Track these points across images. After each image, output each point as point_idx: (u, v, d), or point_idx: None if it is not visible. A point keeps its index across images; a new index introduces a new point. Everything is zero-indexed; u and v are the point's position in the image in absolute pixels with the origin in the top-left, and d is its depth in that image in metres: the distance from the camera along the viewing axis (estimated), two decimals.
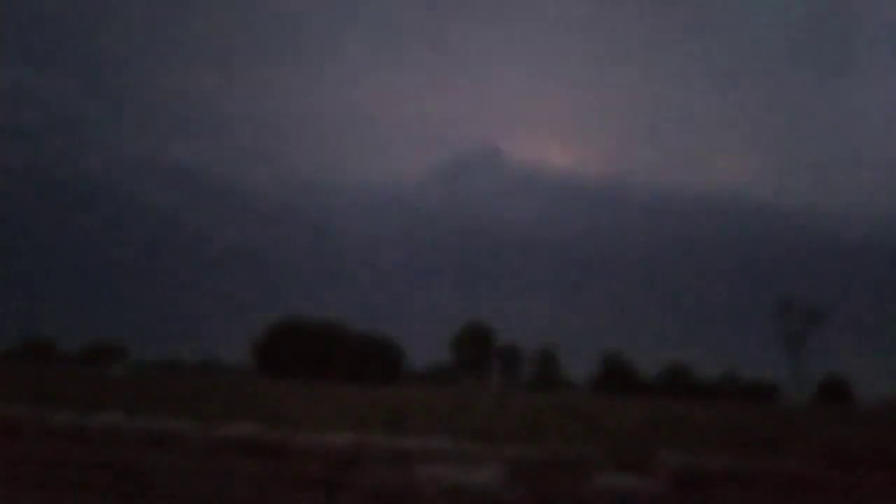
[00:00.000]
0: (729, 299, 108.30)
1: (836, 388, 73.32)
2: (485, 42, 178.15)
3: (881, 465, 8.15)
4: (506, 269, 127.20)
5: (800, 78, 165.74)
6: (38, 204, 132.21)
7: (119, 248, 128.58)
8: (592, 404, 31.09)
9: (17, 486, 7.74)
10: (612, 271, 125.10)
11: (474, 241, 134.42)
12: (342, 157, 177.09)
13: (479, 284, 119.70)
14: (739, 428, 16.31)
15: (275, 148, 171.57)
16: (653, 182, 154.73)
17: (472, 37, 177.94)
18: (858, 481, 7.92)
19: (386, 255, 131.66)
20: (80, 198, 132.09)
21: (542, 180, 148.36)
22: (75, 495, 7.65)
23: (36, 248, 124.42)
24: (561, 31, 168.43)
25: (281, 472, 7.88)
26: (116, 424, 8.21)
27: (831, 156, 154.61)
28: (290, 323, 72.07)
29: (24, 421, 8.27)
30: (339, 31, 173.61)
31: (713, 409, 32.88)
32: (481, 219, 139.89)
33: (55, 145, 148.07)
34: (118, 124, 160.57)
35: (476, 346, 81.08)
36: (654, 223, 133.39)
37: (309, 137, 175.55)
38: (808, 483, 7.70)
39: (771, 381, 78.50)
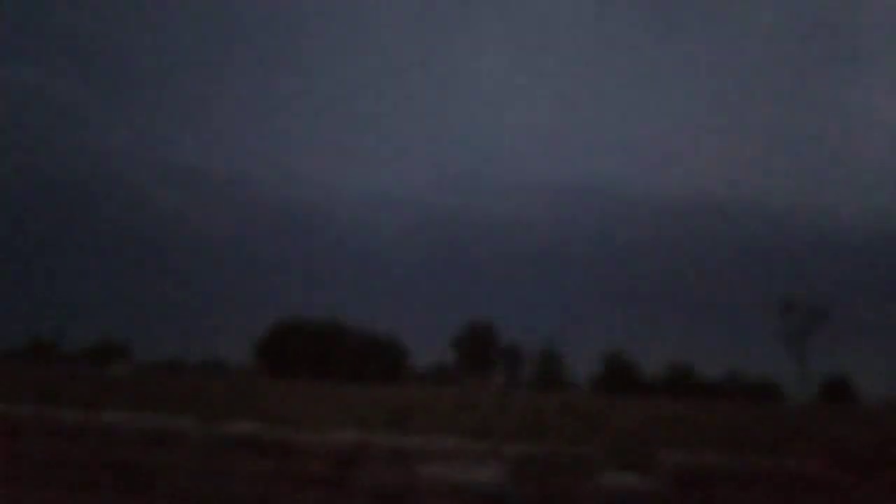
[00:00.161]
0: (731, 299, 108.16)
1: (839, 388, 73.23)
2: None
3: (883, 465, 8.16)
4: (509, 269, 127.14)
5: (793, 76, 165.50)
6: (41, 204, 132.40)
7: (121, 248, 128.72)
8: (594, 404, 31.08)
9: (18, 485, 7.77)
10: (614, 271, 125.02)
11: (478, 241, 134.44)
12: (346, 157, 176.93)
13: (482, 284, 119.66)
14: (741, 427, 16.30)
15: (278, 148, 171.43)
16: (653, 183, 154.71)
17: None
18: (860, 481, 7.92)
19: (390, 254, 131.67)
20: (82, 198, 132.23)
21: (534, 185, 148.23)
22: (77, 494, 7.67)
23: (38, 249, 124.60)
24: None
25: (283, 470, 7.90)
26: (119, 423, 8.23)
27: (833, 154, 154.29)
28: (292, 323, 72.15)
29: (26, 420, 8.29)
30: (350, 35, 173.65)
31: (715, 408, 32.85)
32: (484, 220, 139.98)
33: (56, 144, 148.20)
34: (120, 123, 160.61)
35: (478, 345, 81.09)
36: (655, 223, 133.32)
37: (312, 137, 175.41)
38: (810, 482, 7.70)
39: (773, 381, 78.44)
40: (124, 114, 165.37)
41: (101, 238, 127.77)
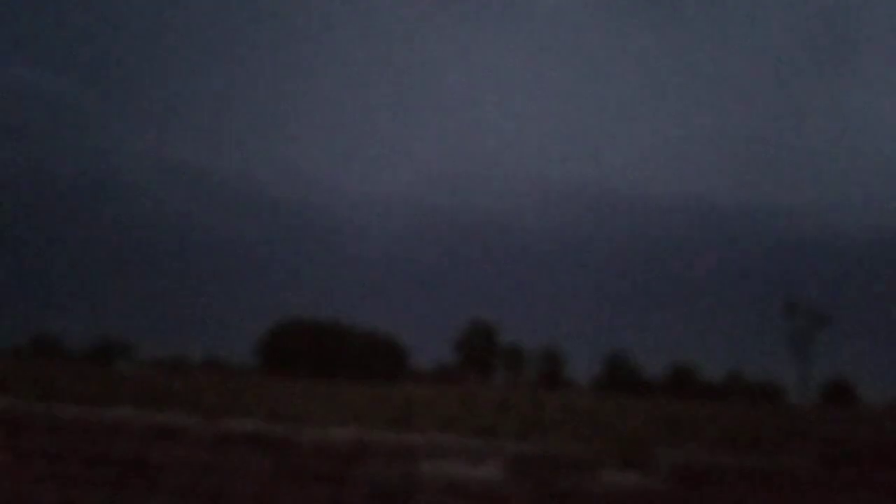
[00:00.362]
0: (734, 300, 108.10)
1: (842, 390, 73.18)
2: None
3: (883, 464, 8.18)
4: (511, 269, 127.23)
5: (792, 77, 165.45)
6: (44, 202, 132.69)
7: (123, 247, 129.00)
8: (595, 403, 31.13)
9: (23, 480, 7.82)
10: (616, 272, 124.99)
11: (479, 241, 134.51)
12: (348, 157, 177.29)
13: (484, 284, 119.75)
14: (741, 427, 16.33)
15: (280, 148, 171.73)
16: (656, 183, 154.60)
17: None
18: (860, 480, 7.95)
19: (391, 253, 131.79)
20: (84, 196, 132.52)
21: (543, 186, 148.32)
22: (82, 488, 7.72)
23: (41, 247, 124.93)
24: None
25: (286, 466, 7.94)
26: (123, 418, 8.27)
27: (835, 155, 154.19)
28: (293, 322, 72.25)
29: (30, 415, 8.34)
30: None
31: (716, 409, 32.86)
32: (487, 220, 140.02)
33: (58, 143, 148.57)
34: (122, 122, 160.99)
35: (479, 346, 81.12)
36: (657, 224, 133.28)
37: (314, 137, 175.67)
38: (808, 481, 7.72)
39: (776, 383, 78.37)
40: (126, 113, 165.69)
41: (102, 237, 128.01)
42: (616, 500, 7.28)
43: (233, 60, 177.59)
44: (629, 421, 18.18)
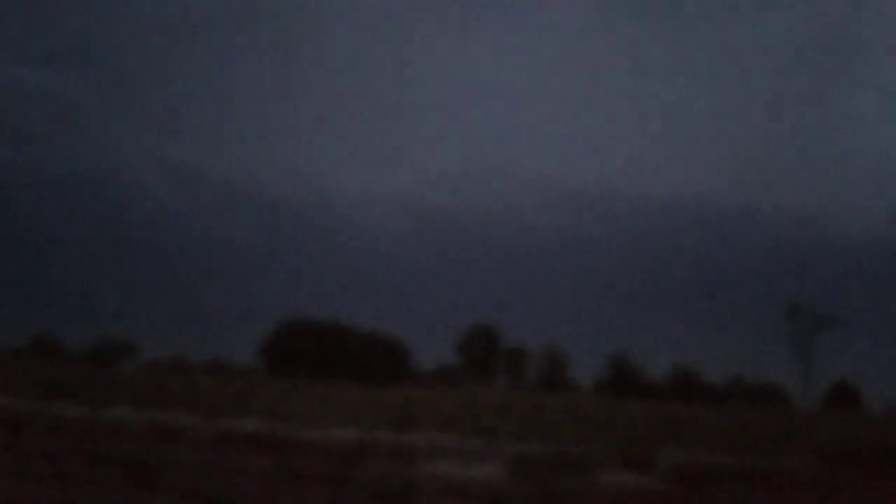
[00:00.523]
0: (737, 302, 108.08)
1: (844, 392, 73.08)
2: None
3: (885, 465, 8.18)
4: (513, 270, 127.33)
5: (792, 78, 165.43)
6: (44, 202, 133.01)
7: (125, 248, 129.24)
8: (597, 405, 31.12)
9: (25, 479, 7.84)
10: (618, 273, 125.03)
11: (482, 243, 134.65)
12: (350, 157, 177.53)
13: (486, 286, 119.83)
14: (743, 429, 16.33)
15: (282, 148, 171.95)
16: (658, 184, 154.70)
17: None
18: (860, 481, 7.95)
19: (392, 254, 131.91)
20: (85, 197, 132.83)
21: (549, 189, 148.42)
22: (83, 487, 7.74)
23: (42, 247, 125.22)
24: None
25: (287, 466, 7.96)
26: (124, 418, 8.30)
27: (833, 156, 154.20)
28: (295, 323, 72.30)
29: (32, 414, 8.37)
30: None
31: (719, 411, 32.85)
32: (489, 221, 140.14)
33: (58, 143, 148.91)
34: (124, 123, 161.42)
35: (482, 347, 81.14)
36: (660, 227, 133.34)
37: (315, 138, 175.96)
38: (809, 481, 7.73)
39: (779, 385, 78.30)
40: (126, 113, 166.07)
41: (102, 236, 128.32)
42: (616, 500, 7.29)
43: (233, 60, 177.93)
44: (630, 422, 18.20)
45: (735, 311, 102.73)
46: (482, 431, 12.36)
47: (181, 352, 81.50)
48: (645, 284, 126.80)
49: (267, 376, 63.90)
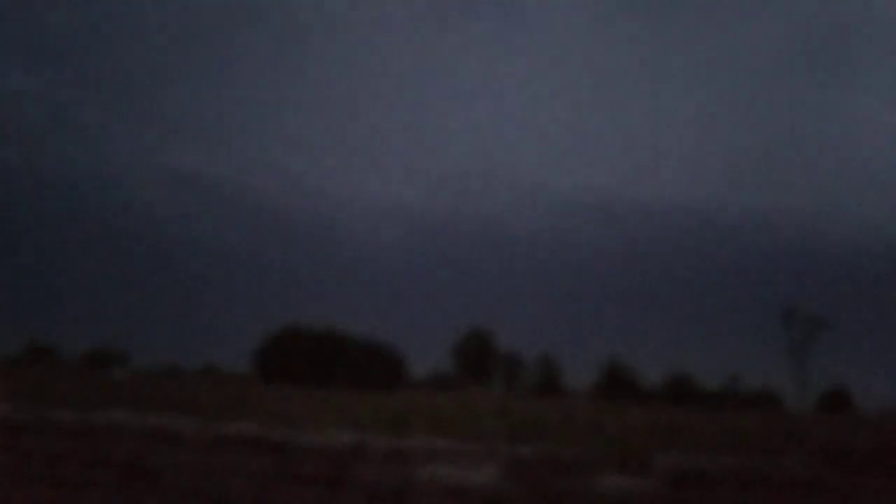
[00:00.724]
0: (731, 307, 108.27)
1: (838, 397, 73.31)
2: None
3: (879, 466, 8.23)
4: (509, 276, 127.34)
5: (788, 81, 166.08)
6: (40, 208, 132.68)
7: (120, 254, 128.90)
8: (593, 410, 31.17)
9: (20, 483, 7.84)
10: (614, 279, 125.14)
11: (476, 249, 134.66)
12: (345, 164, 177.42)
13: (481, 291, 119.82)
14: (738, 433, 16.38)
15: (277, 155, 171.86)
16: (653, 189, 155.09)
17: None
18: (857, 482, 7.99)
19: (388, 260, 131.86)
20: (80, 203, 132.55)
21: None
22: (79, 491, 7.74)
23: (37, 253, 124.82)
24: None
25: (283, 469, 7.97)
26: (120, 421, 8.31)
27: (829, 160, 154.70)
28: (290, 330, 72.22)
29: (27, 418, 8.37)
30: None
31: (713, 416, 32.92)
32: (483, 227, 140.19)
33: (56, 148, 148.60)
34: (119, 129, 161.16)
35: (477, 353, 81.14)
36: (654, 231, 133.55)
37: (311, 145, 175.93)
38: (805, 483, 7.77)
39: (773, 390, 78.50)
40: (123, 119, 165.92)
41: (98, 243, 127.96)
42: (611, 502, 7.31)
43: (228, 65, 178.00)
44: (626, 426, 18.23)
45: (730, 316, 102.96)
46: (478, 435, 12.38)
47: (174, 358, 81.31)
48: (639, 289, 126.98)
49: (263, 383, 63.73)
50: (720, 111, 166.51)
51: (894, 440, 8.45)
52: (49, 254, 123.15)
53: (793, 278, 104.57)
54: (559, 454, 8.02)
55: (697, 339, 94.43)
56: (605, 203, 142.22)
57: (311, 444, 8.40)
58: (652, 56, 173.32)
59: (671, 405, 61.85)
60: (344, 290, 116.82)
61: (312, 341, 70.74)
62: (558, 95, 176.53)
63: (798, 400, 74.13)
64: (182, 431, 8.26)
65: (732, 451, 11.81)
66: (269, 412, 15.58)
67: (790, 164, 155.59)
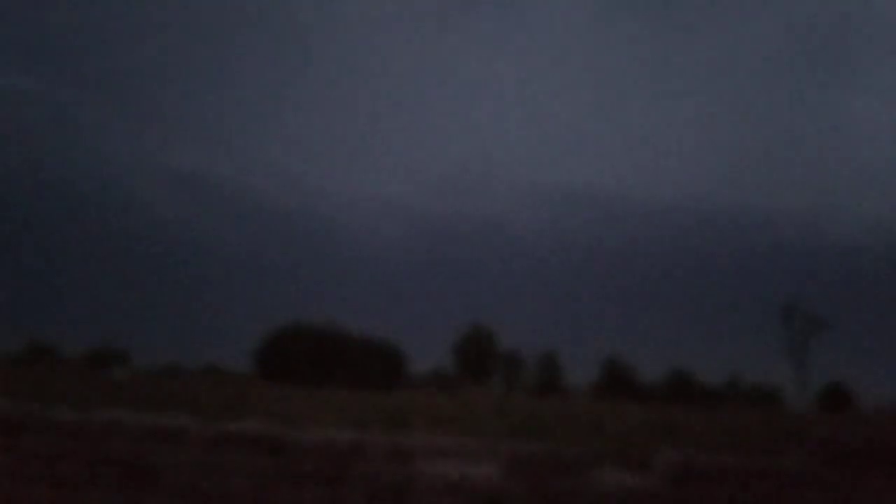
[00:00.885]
0: (732, 305, 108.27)
1: (839, 394, 73.32)
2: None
3: (880, 464, 8.24)
4: (509, 274, 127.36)
5: (788, 80, 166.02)
6: (41, 208, 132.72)
7: (119, 254, 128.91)
8: (593, 407, 31.19)
9: (20, 481, 7.85)
10: (613, 276, 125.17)
11: (476, 246, 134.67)
12: (344, 162, 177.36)
13: (481, 289, 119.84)
14: (738, 429, 16.39)
15: (277, 153, 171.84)
16: (652, 187, 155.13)
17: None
18: (856, 479, 8.00)
19: (388, 259, 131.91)
20: (80, 203, 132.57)
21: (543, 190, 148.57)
22: (79, 490, 7.75)
23: (38, 253, 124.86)
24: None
25: (283, 467, 7.98)
26: (120, 420, 8.31)
27: (829, 159, 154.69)
28: (290, 328, 72.20)
29: (26, 417, 8.38)
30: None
31: (714, 413, 32.95)
32: (483, 224, 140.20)
33: (54, 149, 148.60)
34: (118, 128, 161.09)
35: (477, 351, 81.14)
36: (654, 228, 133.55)
37: (310, 143, 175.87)
38: (804, 480, 7.78)
39: (773, 387, 78.50)
40: (122, 119, 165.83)
41: (99, 242, 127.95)
42: (612, 499, 7.33)
43: (228, 65, 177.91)
44: (626, 424, 18.24)
45: (730, 314, 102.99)
46: (478, 432, 12.39)
47: (174, 357, 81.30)
48: (640, 288, 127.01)
49: (264, 382, 63.75)
50: (720, 111, 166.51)
51: (894, 438, 8.46)
52: (49, 253, 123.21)
53: (793, 277, 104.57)
54: (559, 452, 8.03)
55: (698, 338, 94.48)
56: (606, 202, 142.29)
57: (312, 443, 8.41)
58: (652, 56, 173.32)
59: (671, 403, 61.87)
60: (344, 289, 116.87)
61: (313, 340, 70.74)
62: (559, 95, 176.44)
63: (798, 398, 74.16)
64: (182, 430, 8.27)
65: (732, 449, 11.82)
66: (270, 411, 15.59)
67: (790, 163, 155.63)
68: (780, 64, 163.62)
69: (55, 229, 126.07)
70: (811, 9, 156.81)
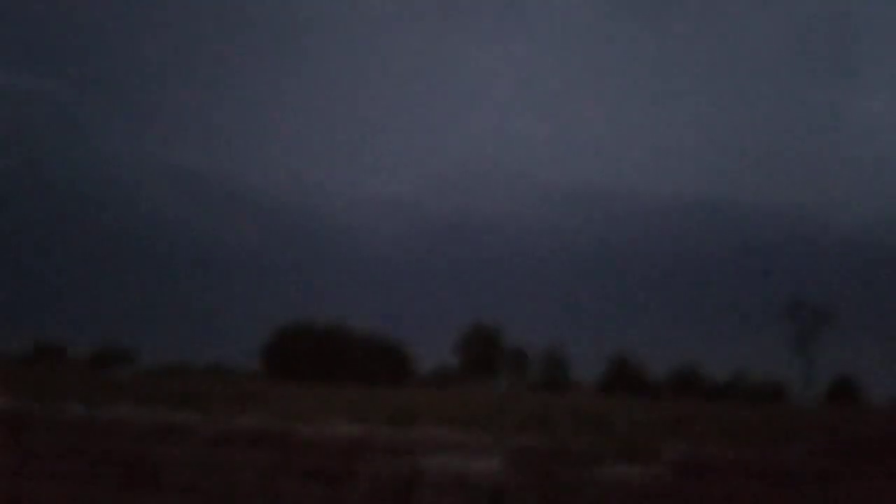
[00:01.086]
0: (737, 300, 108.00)
1: (845, 388, 73.06)
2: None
3: (887, 458, 8.20)
4: (513, 270, 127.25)
5: (789, 77, 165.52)
6: (43, 207, 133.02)
7: (123, 253, 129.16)
8: (599, 403, 31.15)
9: (30, 477, 7.86)
10: (619, 273, 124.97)
11: (481, 244, 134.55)
12: (348, 161, 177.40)
13: (486, 287, 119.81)
14: (744, 423, 16.34)
15: (280, 152, 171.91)
16: (657, 184, 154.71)
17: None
18: (862, 472, 7.97)
19: (392, 256, 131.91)
20: (84, 200, 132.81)
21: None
22: (88, 485, 7.75)
23: (41, 252, 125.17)
24: None
25: (287, 462, 7.98)
26: (125, 418, 8.33)
27: (834, 155, 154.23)
28: (296, 326, 72.22)
29: (35, 414, 8.40)
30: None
31: (720, 408, 32.87)
32: (488, 222, 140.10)
33: (56, 148, 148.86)
34: (120, 126, 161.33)
35: (482, 347, 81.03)
36: (659, 224, 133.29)
37: (313, 142, 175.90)
38: (810, 474, 7.75)
39: (780, 382, 78.23)
40: (124, 117, 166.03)
41: (101, 241, 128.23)
42: (616, 492, 7.31)
43: (229, 63, 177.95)
44: (632, 419, 18.19)
45: (736, 309, 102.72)
46: (483, 428, 12.37)
47: (179, 356, 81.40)
48: (645, 283, 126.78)
49: (268, 380, 63.84)
50: (722, 109, 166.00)
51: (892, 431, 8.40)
52: (52, 253, 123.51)
53: (798, 272, 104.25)
54: (565, 446, 8.02)
55: (704, 333, 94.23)
56: (610, 199, 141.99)
57: (318, 438, 8.40)
58: (656, 53, 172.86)
59: (678, 398, 61.71)
60: (348, 287, 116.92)
61: (318, 338, 70.75)
62: (559, 93, 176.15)
63: (805, 392, 73.92)
64: (188, 427, 8.28)
65: (738, 443, 11.78)
66: (276, 408, 15.60)
67: (795, 158, 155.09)
68: (780, 61, 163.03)
69: (57, 229, 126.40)
70: (813, 7, 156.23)
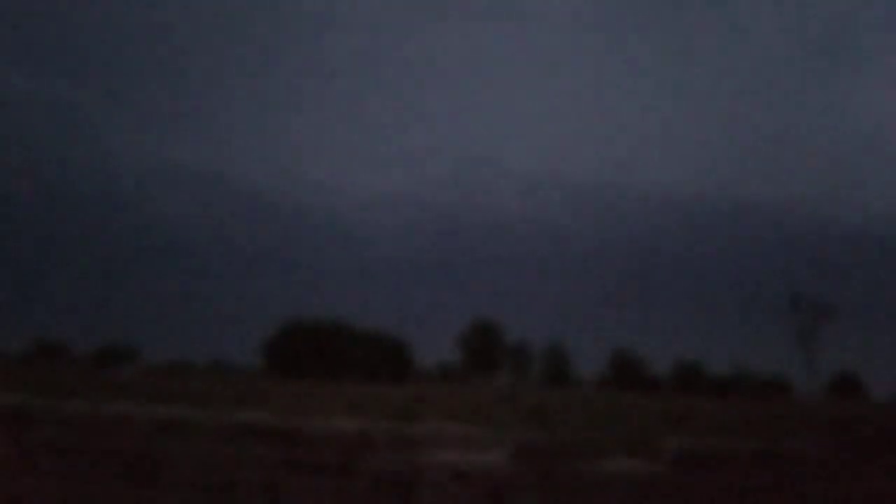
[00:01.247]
0: (740, 295, 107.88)
1: (847, 382, 73.10)
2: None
3: (889, 450, 8.21)
4: (516, 267, 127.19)
5: (795, 73, 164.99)
6: (47, 207, 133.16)
7: (126, 252, 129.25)
8: (601, 397, 31.18)
9: (33, 473, 7.89)
10: (621, 269, 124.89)
11: (483, 239, 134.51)
12: (349, 158, 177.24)
13: (488, 282, 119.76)
14: (746, 416, 16.36)
15: (281, 149, 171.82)
16: (660, 180, 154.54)
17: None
18: (864, 464, 7.99)
19: (395, 254, 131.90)
20: (88, 200, 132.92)
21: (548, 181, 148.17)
22: (87, 482, 7.79)
23: (45, 252, 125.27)
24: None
25: (293, 458, 8.01)
26: (129, 414, 8.36)
27: (838, 150, 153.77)
28: (299, 323, 72.34)
29: (39, 410, 8.43)
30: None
31: (723, 403, 32.89)
32: (490, 218, 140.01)
33: (60, 148, 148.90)
34: (123, 127, 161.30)
35: (485, 343, 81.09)
36: (661, 221, 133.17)
37: (314, 139, 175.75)
38: (811, 465, 7.77)
39: (782, 377, 78.25)
40: (127, 117, 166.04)
41: (105, 241, 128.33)
42: (617, 484, 7.32)
43: (234, 64, 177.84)
44: (634, 413, 18.22)
45: (738, 304, 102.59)
46: (486, 422, 12.41)
47: (185, 355, 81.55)
48: (648, 279, 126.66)
49: (272, 377, 63.98)
50: (730, 103, 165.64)
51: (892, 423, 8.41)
52: (57, 253, 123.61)
53: (801, 267, 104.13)
54: (567, 439, 8.05)
55: (706, 328, 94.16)
56: (613, 194, 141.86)
57: (322, 433, 8.43)
58: (658, 52, 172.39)
59: (680, 392, 61.78)
60: (351, 284, 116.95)
61: (321, 334, 70.87)
62: (560, 90, 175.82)
63: (808, 386, 73.91)
64: (191, 422, 8.31)
65: (740, 437, 11.80)
66: (279, 403, 15.63)
67: (798, 153, 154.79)
68: (788, 55, 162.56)
69: (59, 229, 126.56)
70: (821, 5, 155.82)
